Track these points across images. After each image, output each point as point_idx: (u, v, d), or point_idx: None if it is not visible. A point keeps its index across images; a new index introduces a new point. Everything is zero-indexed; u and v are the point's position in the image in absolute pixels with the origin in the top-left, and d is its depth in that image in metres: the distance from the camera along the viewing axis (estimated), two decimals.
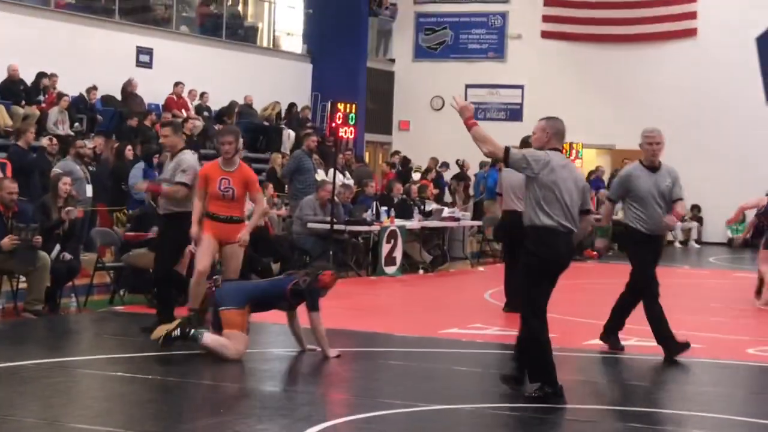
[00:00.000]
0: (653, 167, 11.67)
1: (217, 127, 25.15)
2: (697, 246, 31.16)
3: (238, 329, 10.75)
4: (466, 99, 32.07)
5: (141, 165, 18.80)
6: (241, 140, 12.44)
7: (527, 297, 9.62)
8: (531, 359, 9.43)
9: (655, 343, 11.78)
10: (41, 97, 21.95)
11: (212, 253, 11.98)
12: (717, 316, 15.81)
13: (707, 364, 11.78)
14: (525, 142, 13.75)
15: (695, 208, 31.76)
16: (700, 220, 31.94)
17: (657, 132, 11.88)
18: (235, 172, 11.78)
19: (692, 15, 31.45)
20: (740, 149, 30.34)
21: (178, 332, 10.79)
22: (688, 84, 31.04)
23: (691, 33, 31.43)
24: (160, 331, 10.93)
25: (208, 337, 10.75)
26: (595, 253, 26.10)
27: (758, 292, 17.17)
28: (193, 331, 10.79)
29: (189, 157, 12.60)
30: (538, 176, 9.28)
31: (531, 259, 9.55)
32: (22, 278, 13.61)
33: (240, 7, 32.01)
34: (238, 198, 11.83)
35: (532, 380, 9.39)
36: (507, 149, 9.39)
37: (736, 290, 17.88)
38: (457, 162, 28.76)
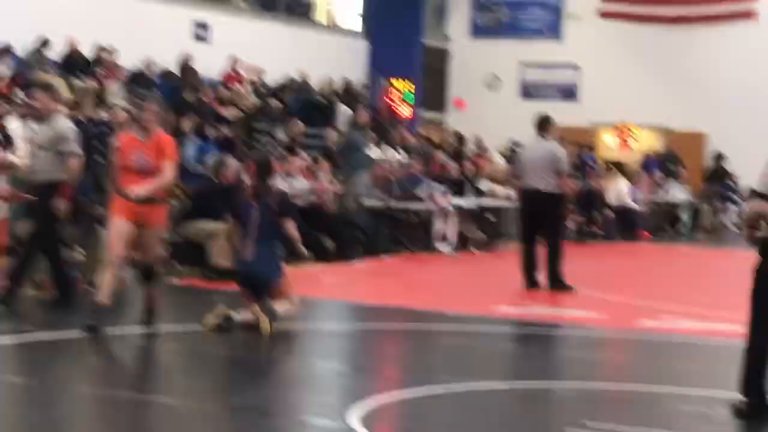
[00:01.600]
0: None
1: (273, 103, 25.29)
2: None
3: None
4: (521, 80, 32.67)
5: (195, 140, 18.74)
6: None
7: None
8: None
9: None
10: (99, 69, 22.04)
11: (127, 239, 10.41)
12: None
13: None
14: None
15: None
16: None
17: None
18: (152, 141, 10.39)
19: None
20: None
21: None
22: (746, 66, 30.70)
23: (750, 14, 31.11)
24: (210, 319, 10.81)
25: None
26: (648, 233, 26.11)
27: None
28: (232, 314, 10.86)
29: (67, 123, 12.15)
30: None
31: None
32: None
33: None
34: (154, 171, 10.31)
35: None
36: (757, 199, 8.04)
37: None
38: (512, 145, 28.70)
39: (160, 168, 10.33)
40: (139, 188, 10.21)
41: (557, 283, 15.10)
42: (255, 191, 11.25)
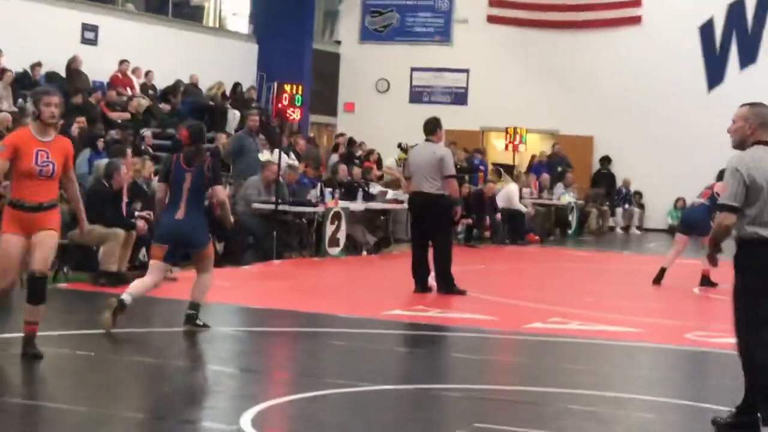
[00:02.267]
0: None
1: (162, 106, 25.10)
2: (638, 232, 31.45)
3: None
4: (411, 85, 32.85)
5: (86, 153, 18.46)
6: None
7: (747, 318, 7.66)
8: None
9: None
10: None
11: (21, 259, 9.29)
12: (657, 302, 15.99)
13: (647, 348, 11.90)
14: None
15: (637, 195, 32.03)
16: (642, 207, 32.20)
17: None
18: (54, 142, 9.13)
19: (637, 3, 31.65)
20: (682, 137, 30.57)
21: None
22: (632, 71, 31.25)
23: (635, 20, 31.63)
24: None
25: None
26: (536, 236, 26.36)
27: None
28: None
29: None
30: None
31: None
32: None
33: None
34: (56, 176, 9.13)
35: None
36: (728, 209, 7.51)
37: (676, 277, 18.06)
38: (399, 145, 28.78)
39: (68, 177, 9.36)
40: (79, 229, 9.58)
41: (447, 286, 15.14)
42: (188, 156, 11.23)
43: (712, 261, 7.90)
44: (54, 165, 9.03)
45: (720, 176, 16.23)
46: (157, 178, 14.10)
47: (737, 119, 7.64)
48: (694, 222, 17.53)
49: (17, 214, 9.04)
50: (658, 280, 17.37)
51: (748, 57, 30.98)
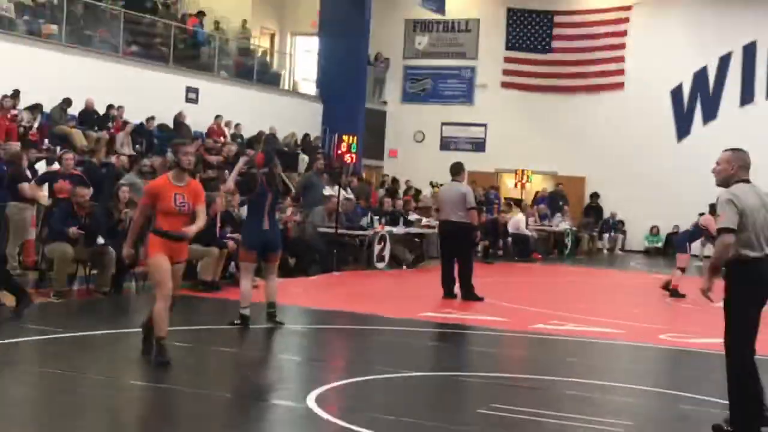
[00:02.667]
0: None
1: (248, 151, 25.18)
2: (621, 253, 31.20)
3: None
4: (441, 136, 32.83)
5: None
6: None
7: (740, 324, 7.14)
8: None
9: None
10: (110, 124, 21.93)
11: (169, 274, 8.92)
12: (636, 308, 15.85)
13: (628, 345, 11.78)
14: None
15: (620, 223, 31.79)
16: (624, 233, 31.95)
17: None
18: (188, 186, 8.96)
19: (620, 72, 31.48)
20: (656, 177, 30.35)
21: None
22: (617, 126, 31.12)
23: (619, 86, 31.46)
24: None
25: None
26: (539, 255, 26.23)
27: (666, 289, 17.26)
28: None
29: None
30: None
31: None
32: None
33: (267, 58, 31.98)
34: (191, 213, 8.98)
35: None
36: (727, 231, 7.08)
37: (653, 289, 17.93)
38: (431, 183, 28.65)
39: (198, 210, 9.00)
40: (186, 229, 8.86)
41: (469, 294, 15.10)
42: (268, 179, 11.23)
43: (709, 286, 7.21)
44: (189, 205, 8.85)
45: (711, 208, 16.09)
46: (240, 201, 14.19)
47: (721, 162, 7.32)
48: (679, 242, 17.79)
49: (164, 241, 8.79)
50: (673, 292, 17.13)
51: (709, 114, 30.72)
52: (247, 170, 11.58)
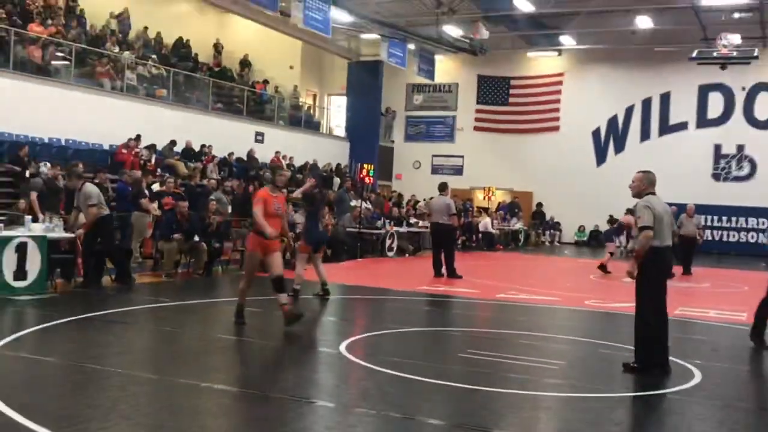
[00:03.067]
0: None
1: (299, 176, 25.17)
2: (558, 245, 31.00)
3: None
4: (432, 164, 32.76)
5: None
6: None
7: (648, 295, 6.99)
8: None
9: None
10: (203, 158, 21.96)
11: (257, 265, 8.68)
12: (568, 282, 15.74)
13: (563, 308, 11.69)
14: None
15: (557, 223, 31.56)
16: (560, 230, 31.72)
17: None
18: (280, 197, 8.81)
19: (557, 119, 31.30)
20: (582, 191, 30.20)
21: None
22: (554, 156, 30.97)
23: (556, 128, 31.32)
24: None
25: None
26: (501, 246, 26.07)
27: (600, 268, 17.14)
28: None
29: (91, 188, 11.12)
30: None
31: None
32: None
33: (311, 111, 31.97)
34: (282, 214, 8.81)
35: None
36: (647, 228, 6.96)
37: (581, 270, 17.80)
38: (423, 200, 28.41)
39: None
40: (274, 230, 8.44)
41: (452, 274, 15.04)
42: (320, 195, 11.39)
43: (634, 269, 6.99)
44: (280, 208, 8.70)
45: (629, 211, 16.08)
46: (296, 212, 14.18)
47: (636, 180, 7.24)
48: (607, 235, 18.34)
49: (260, 239, 8.44)
50: (603, 269, 16.98)
51: (619, 147, 30.49)
52: (309, 189, 11.55)
